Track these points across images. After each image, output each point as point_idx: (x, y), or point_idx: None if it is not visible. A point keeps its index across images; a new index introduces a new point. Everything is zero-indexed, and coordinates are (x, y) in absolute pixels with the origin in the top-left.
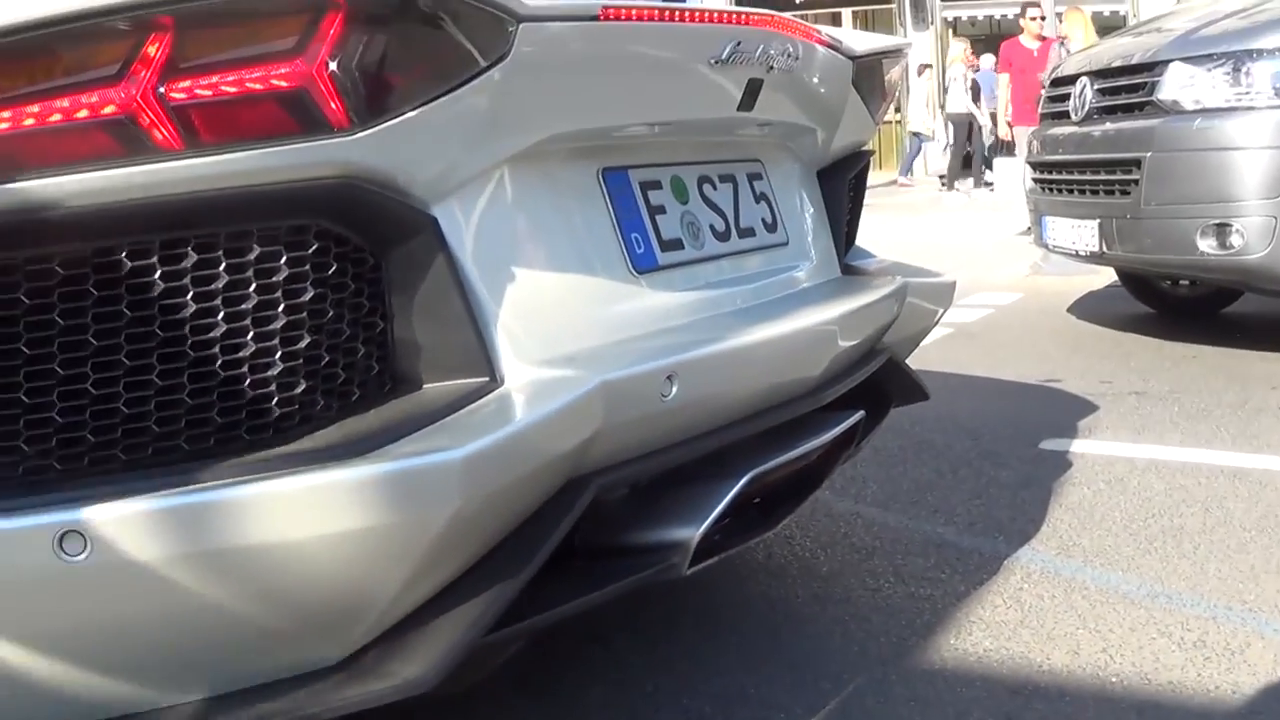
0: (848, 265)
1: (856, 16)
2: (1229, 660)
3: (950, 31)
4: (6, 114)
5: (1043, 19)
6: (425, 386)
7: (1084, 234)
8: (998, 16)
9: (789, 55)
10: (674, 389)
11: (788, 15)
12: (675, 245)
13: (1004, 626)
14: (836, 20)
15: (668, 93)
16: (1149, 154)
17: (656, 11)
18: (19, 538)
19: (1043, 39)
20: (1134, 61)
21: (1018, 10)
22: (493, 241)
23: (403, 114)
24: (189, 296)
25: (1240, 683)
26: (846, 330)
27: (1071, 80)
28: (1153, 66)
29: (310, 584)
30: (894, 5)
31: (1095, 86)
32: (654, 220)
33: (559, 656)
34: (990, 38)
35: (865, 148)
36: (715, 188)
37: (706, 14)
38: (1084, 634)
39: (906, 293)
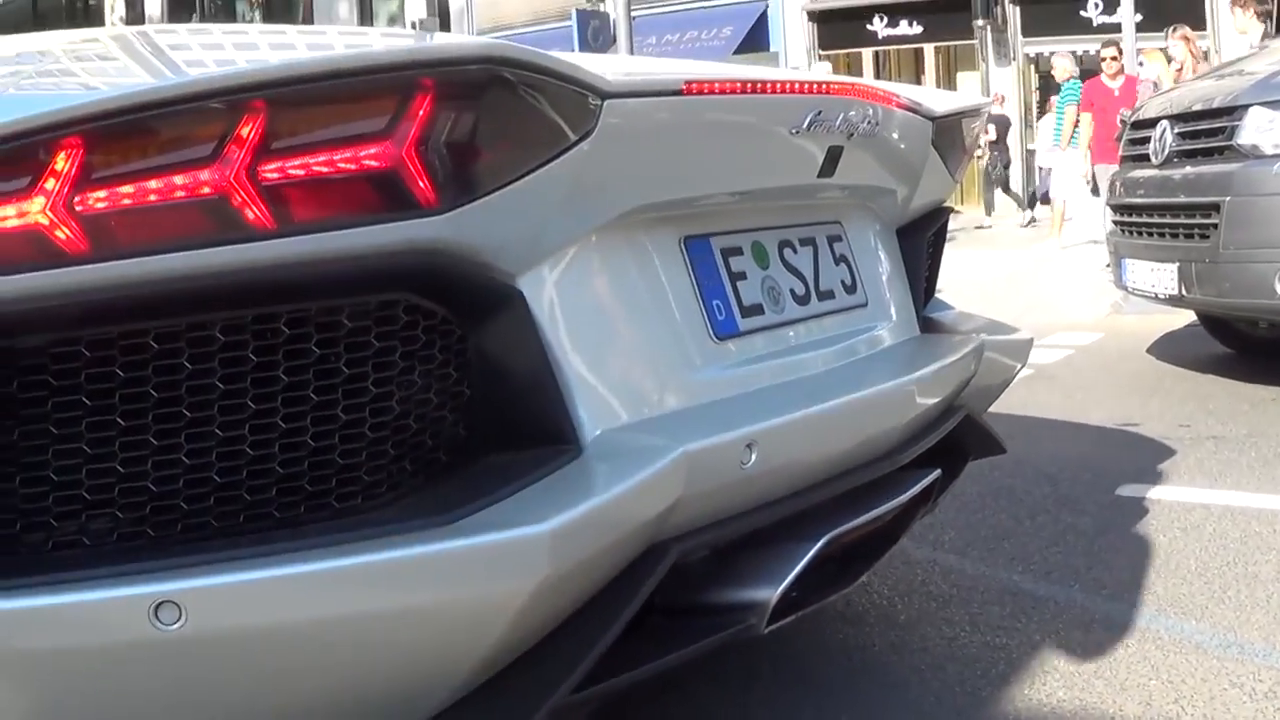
0: (926, 319)
1: (939, 52)
2: None
3: (1033, 68)
4: (104, 193)
5: (1118, 58)
6: (510, 454)
7: (1163, 277)
8: (1079, 52)
9: (869, 120)
10: (753, 456)
11: (868, 81)
12: (756, 310)
13: (1078, 676)
14: (919, 55)
15: (749, 162)
16: (1228, 198)
17: (738, 84)
18: (116, 606)
19: (1126, 76)
20: (1214, 105)
21: (1099, 46)
22: (576, 311)
23: (490, 192)
24: (281, 370)
25: None
26: (924, 390)
27: (1152, 124)
28: (1232, 110)
29: (399, 653)
30: (976, 41)
31: (1175, 130)
32: (735, 286)
33: (638, 702)
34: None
35: (945, 204)
36: (795, 251)
37: (786, 84)
38: (1156, 684)
39: (984, 350)
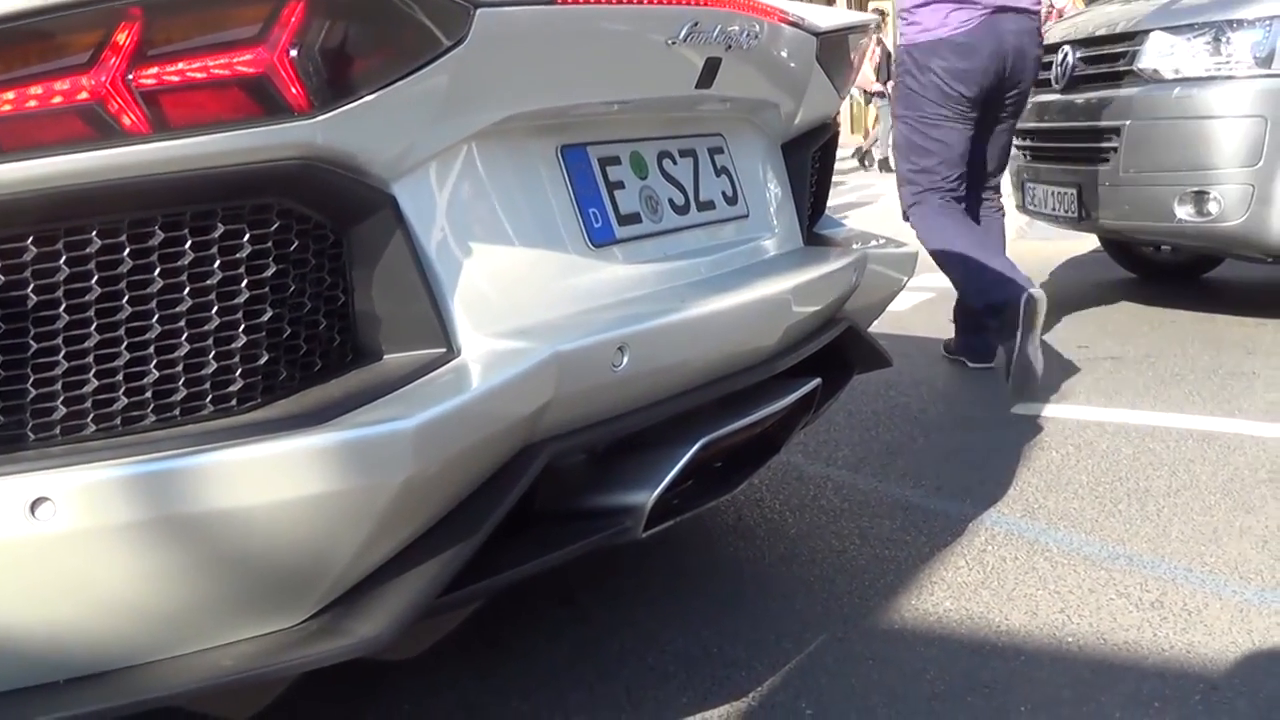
0: (815, 235)
1: None
2: (1185, 620)
3: None
4: None
5: None
6: (385, 358)
7: (1065, 200)
8: None
9: (749, 34)
10: (625, 359)
11: None
12: (633, 219)
13: (965, 588)
14: None
15: (625, 72)
16: (1128, 122)
17: None
18: None
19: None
20: (1116, 30)
21: None
22: (451, 217)
23: (362, 97)
24: (156, 273)
25: (1195, 642)
26: (801, 299)
27: (1055, 48)
28: (1134, 35)
29: (270, 548)
30: None
31: (1078, 54)
32: (612, 195)
33: (528, 617)
34: None
35: (831, 120)
36: (675, 162)
37: None
38: (1043, 595)
39: (866, 262)
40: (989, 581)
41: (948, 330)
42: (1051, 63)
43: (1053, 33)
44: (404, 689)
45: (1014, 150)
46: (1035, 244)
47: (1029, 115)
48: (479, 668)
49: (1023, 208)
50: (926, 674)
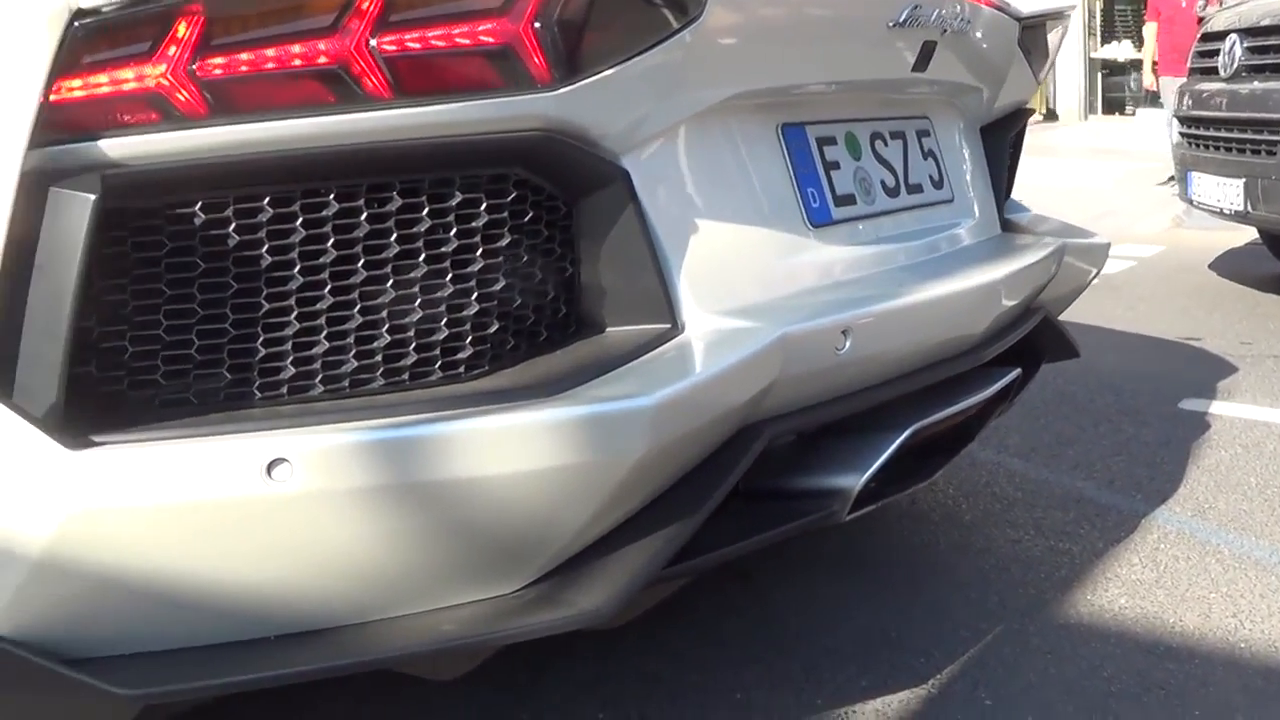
0: (1006, 220)
1: None
2: None
3: None
4: (221, 60)
5: None
6: (608, 330)
7: (1229, 192)
8: None
9: (961, 18)
10: (848, 343)
11: None
12: (848, 200)
13: (1139, 585)
14: None
15: (846, 54)
16: None
17: None
18: (229, 460)
19: None
20: None
21: None
22: (677, 193)
23: (601, 71)
24: (392, 239)
25: None
26: (1010, 289)
27: (1221, 36)
28: None
29: (498, 518)
30: None
31: (1245, 44)
32: (829, 175)
33: (703, 590)
34: None
35: (1026, 105)
36: (886, 144)
37: None
38: (1215, 598)
39: (1064, 253)
40: (1162, 581)
41: (1111, 318)
42: (1218, 50)
43: (1217, 20)
44: (579, 656)
45: (1177, 137)
46: (1192, 233)
47: (1194, 103)
48: (657, 639)
49: (1184, 197)
50: (1103, 671)
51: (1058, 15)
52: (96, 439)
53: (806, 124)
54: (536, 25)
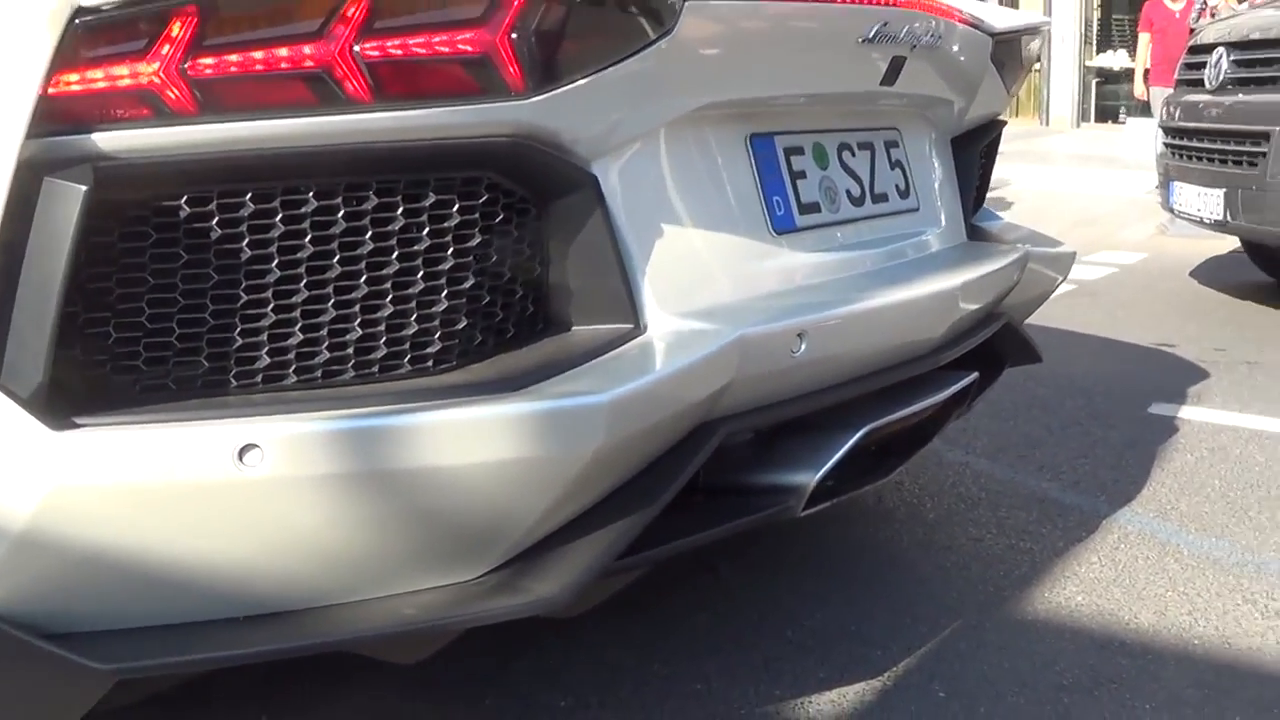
0: (974, 227)
1: None
2: None
3: None
4: (211, 60)
5: None
6: (574, 329)
7: (1210, 202)
8: None
9: (932, 34)
10: (803, 346)
11: None
12: (813, 208)
13: (1097, 583)
14: None
15: (816, 67)
16: (1278, 128)
17: None
18: (202, 445)
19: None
20: (1272, 35)
21: None
22: (645, 199)
23: (574, 81)
24: (367, 236)
25: None
26: (968, 295)
27: (1209, 49)
28: None
29: (460, 507)
30: None
31: (1232, 57)
32: (795, 184)
33: (670, 582)
34: None
35: (998, 117)
36: (854, 154)
37: None
38: (1172, 596)
39: (1027, 261)
40: (1120, 579)
41: (1087, 323)
42: (1205, 63)
43: (1207, 32)
44: (548, 647)
45: (1161, 147)
46: (1176, 241)
47: (1179, 114)
48: (621, 631)
49: (1166, 206)
50: (1056, 665)
51: (1032, 30)
52: (79, 420)
53: (775, 134)
54: (513, 35)
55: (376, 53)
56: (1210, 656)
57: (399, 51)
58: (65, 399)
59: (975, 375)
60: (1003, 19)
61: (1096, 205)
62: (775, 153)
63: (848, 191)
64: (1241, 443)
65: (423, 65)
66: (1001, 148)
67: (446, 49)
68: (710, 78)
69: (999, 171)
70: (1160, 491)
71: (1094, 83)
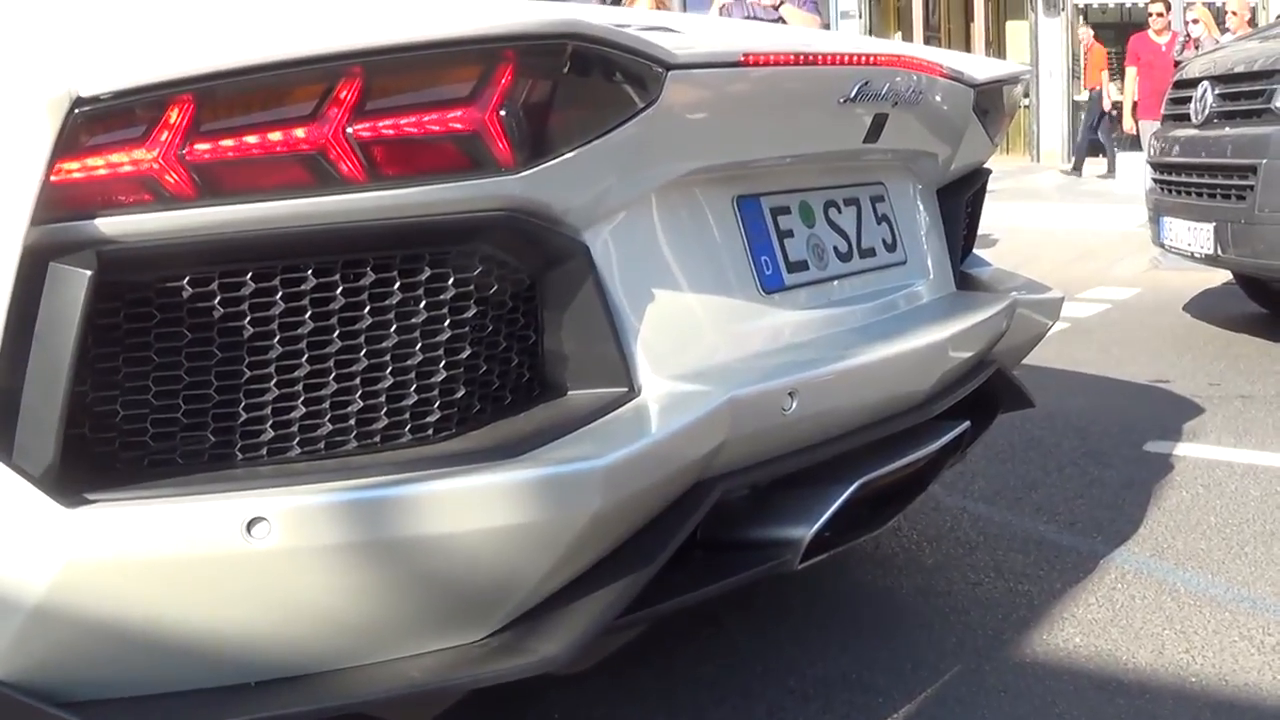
0: (964, 275)
1: (988, 2)
2: None
3: (1081, 19)
4: (208, 145)
5: (1164, 14)
6: (570, 394)
7: (1199, 236)
8: (1128, 4)
9: (913, 89)
10: (794, 404)
11: (914, 51)
12: (801, 266)
13: (1095, 624)
14: (968, 3)
15: (800, 129)
16: (1265, 160)
17: (791, 56)
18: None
19: (1173, 32)
20: (1255, 68)
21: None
22: (635, 264)
23: (563, 154)
24: (366, 311)
25: None
26: (957, 345)
27: (1194, 84)
28: (1272, 74)
29: (462, 572)
30: None
31: (1216, 91)
32: (782, 243)
33: (675, 635)
34: (1120, 26)
35: (983, 166)
36: (840, 211)
37: (835, 56)
38: (1169, 634)
39: (1016, 308)
40: (1118, 619)
41: (1082, 361)
42: (1190, 98)
43: (1191, 67)
44: (552, 700)
45: (1150, 183)
46: (1169, 275)
47: (1167, 150)
48: (627, 684)
49: (1157, 241)
50: (1056, 707)
51: (1013, 79)
52: (89, 497)
53: (761, 195)
54: (502, 112)
55: (369, 133)
56: (1208, 693)
57: (391, 132)
58: (76, 476)
59: (967, 424)
60: (984, 69)
61: (1089, 240)
62: (762, 213)
63: (835, 248)
64: (1236, 478)
65: (414, 144)
66: (992, 185)
67: (437, 127)
68: (697, 143)
69: (990, 210)
70: (1156, 530)
71: (1083, 117)
